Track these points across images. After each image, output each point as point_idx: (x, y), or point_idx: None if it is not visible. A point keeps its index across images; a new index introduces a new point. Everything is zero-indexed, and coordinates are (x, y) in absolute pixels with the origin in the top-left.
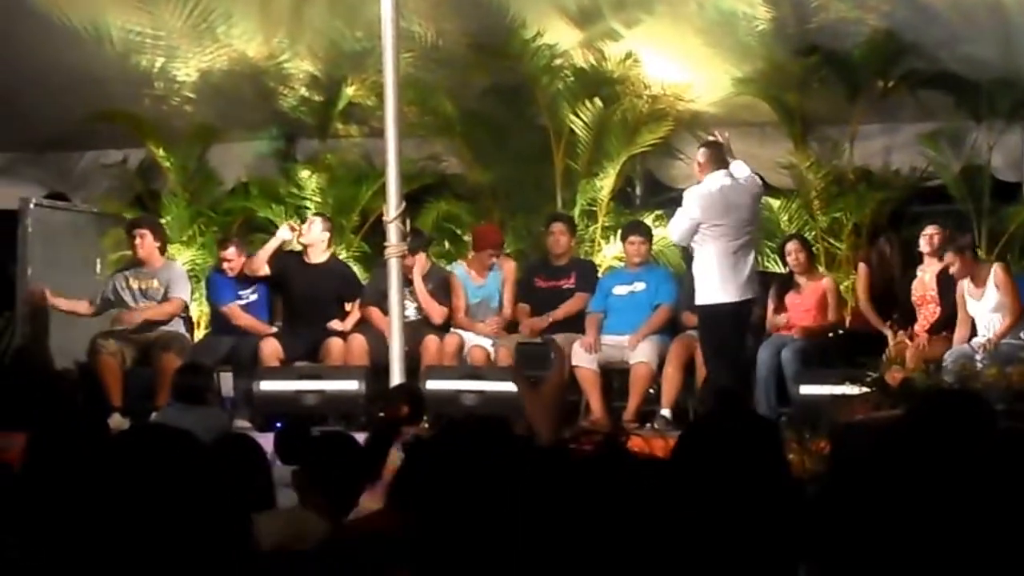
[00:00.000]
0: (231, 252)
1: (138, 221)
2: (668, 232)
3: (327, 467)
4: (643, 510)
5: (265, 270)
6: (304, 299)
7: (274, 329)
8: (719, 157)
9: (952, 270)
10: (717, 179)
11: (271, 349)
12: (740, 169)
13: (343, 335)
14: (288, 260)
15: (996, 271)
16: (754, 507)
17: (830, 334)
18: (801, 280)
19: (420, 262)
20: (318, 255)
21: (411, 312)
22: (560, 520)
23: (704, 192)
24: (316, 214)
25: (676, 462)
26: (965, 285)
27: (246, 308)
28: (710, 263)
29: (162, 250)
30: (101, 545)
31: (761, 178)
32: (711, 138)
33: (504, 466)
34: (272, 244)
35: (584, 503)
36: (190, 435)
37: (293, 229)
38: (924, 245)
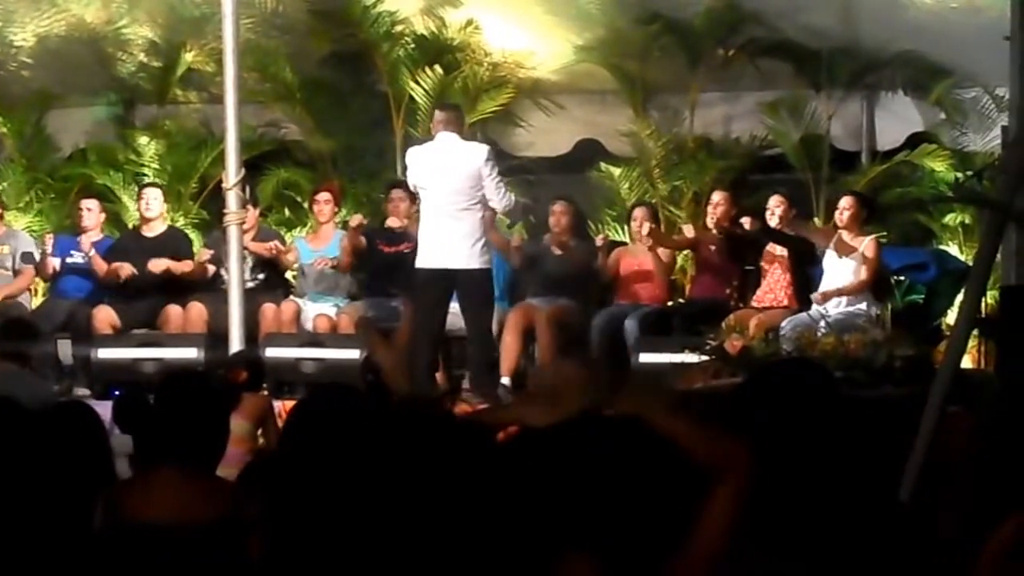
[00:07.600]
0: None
1: None
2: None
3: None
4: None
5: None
6: (140, 273)
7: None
8: None
9: (838, 213)
10: None
11: (104, 316)
12: None
13: (181, 302)
14: (125, 238)
15: (869, 242)
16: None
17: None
18: (642, 247)
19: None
20: (155, 227)
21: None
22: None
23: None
24: (151, 185)
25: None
26: (838, 238)
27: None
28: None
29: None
30: None
31: (602, 145)
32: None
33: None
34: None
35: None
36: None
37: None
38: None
